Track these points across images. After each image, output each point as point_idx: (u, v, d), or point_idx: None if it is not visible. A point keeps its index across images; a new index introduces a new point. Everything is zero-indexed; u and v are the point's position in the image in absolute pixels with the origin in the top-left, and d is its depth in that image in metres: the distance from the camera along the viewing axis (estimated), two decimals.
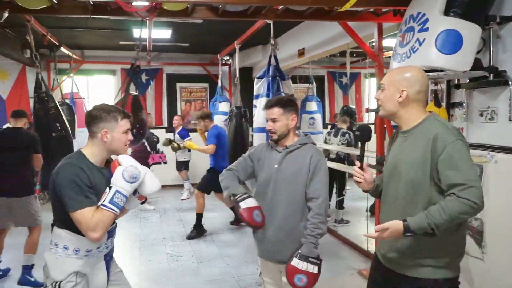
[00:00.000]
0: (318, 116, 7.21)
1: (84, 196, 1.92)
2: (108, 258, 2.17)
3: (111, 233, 2.14)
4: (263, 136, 3.99)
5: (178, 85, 8.83)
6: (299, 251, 2.27)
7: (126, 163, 2.01)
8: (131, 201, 2.11)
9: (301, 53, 5.92)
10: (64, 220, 1.96)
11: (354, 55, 6.25)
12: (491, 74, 2.61)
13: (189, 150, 7.18)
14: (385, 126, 3.62)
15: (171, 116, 8.33)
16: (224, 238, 5.29)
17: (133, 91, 4.26)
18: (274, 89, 4.08)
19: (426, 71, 2.49)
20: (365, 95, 8.19)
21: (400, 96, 1.85)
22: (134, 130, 4.12)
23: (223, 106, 7.15)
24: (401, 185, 1.85)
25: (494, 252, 2.67)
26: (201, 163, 7.55)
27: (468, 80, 2.81)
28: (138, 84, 8.36)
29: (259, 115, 4.12)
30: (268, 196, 2.41)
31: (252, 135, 4.47)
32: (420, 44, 2.48)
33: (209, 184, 5.42)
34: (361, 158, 2.02)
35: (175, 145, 6.63)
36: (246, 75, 7.91)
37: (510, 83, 2.53)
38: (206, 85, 8.94)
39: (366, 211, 5.40)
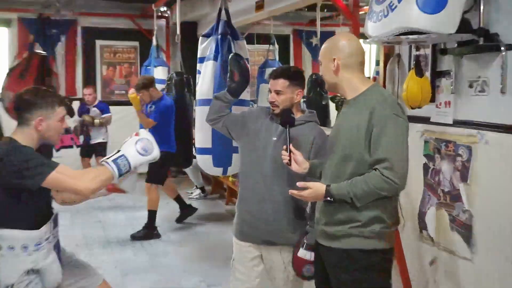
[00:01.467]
0: None
1: (49, 161, 2.23)
2: (57, 250, 2.46)
3: (56, 221, 2.46)
4: (206, 110, 4.10)
5: (98, 43, 8.75)
6: (305, 241, 2.66)
7: (144, 135, 2.39)
8: (129, 180, 2.51)
9: (259, 5, 6.02)
10: (5, 219, 2.23)
11: (325, 10, 6.44)
12: (481, 38, 2.83)
13: (106, 130, 7.16)
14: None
15: (88, 83, 8.22)
16: (158, 244, 5.38)
17: (39, 49, 4.22)
18: (224, 51, 4.18)
19: (406, 34, 2.69)
20: None
21: (333, 65, 2.30)
22: None
23: (159, 72, 7.17)
24: (335, 156, 2.31)
25: (485, 251, 2.89)
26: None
27: (456, 45, 3.04)
28: (45, 40, 8.25)
29: (205, 83, 4.22)
30: (265, 170, 2.81)
31: (195, 110, 4.57)
32: (399, 1, 2.64)
33: (161, 172, 5.52)
34: (287, 143, 2.50)
35: (88, 118, 6.63)
36: (189, 32, 7.95)
37: (502, 48, 2.76)
38: (136, 43, 8.90)
39: None
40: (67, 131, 7.83)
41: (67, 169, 2.26)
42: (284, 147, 2.49)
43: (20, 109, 2.33)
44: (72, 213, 6.39)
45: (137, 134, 2.41)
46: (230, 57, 3.30)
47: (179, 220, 6.06)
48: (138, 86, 5.56)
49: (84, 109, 7.26)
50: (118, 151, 2.33)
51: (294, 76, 2.84)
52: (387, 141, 2.14)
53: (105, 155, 2.72)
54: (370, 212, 2.22)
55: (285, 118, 2.63)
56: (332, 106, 6.66)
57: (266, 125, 2.90)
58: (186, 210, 6.13)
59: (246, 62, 3.59)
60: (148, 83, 5.59)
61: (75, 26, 8.48)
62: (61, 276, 2.44)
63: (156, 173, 5.55)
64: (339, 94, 2.50)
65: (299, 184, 2.29)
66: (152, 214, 5.56)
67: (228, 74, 3.17)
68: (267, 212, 2.81)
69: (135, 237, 5.44)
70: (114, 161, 2.28)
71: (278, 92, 2.79)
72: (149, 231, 5.51)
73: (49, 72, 4.25)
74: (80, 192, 2.27)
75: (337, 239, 2.28)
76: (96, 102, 7.35)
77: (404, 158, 2.17)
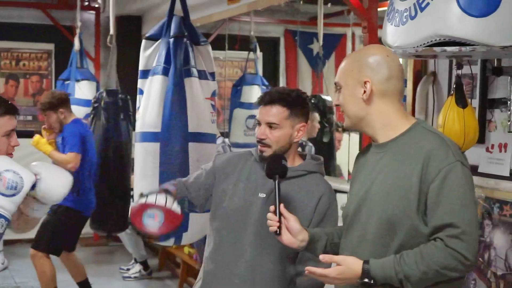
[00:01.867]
0: None
1: None
2: None
3: None
4: (154, 148, 4.13)
5: None
6: None
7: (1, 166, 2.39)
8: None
9: None
10: None
11: (329, 4, 6.54)
12: None
13: None
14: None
15: None
16: None
17: None
18: (178, 62, 4.23)
19: (442, 44, 2.76)
20: None
21: (364, 91, 2.27)
22: None
23: (83, 89, 7.21)
24: (372, 222, 2.23)
25: None
26: None
27: None
28: None
29: (149, 110, 4.25)
30: (246, 241, 2.81)
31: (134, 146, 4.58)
32: None
33: (58, 236, 5.46)
34: (276, 201, 2.43)
35: None
36: (130, 32, 8.03)
37: None
38: (51, 46, 8.92)
39: None
40: None
41: None
42: (272, 208, 2.42)
43: None
44: None
45: None
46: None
47: None
48: (43, 106, 5.59)
49: None
50: None
51: (296, 102, 2.83)
52: (453, 199, 2.09)
53: None
54: None
55: (272, 165, 2.60)
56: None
57: (248, 176, 2.90)
58: None
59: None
60: (57, 102, 5.59)
61: None
62: None
63: (48, 236, 5.46)
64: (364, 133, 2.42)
65: (322, 257, 2.23)
66: None
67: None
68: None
69: None
70: None
71: (271, 126, 2.78)
72: None
73: None
74: None
75: None
76: None
77: (475, 223, 2.13)
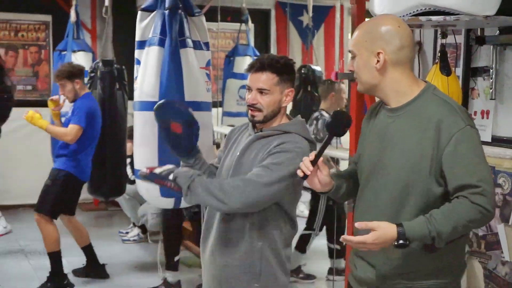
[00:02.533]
0: None
1: None
2: None
3: None
4: (150, 117, 4.15)
5: None
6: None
7: None
8: None
9: None
10: None
11: None
12: None
13: None
14: (366, 107, 3.90)
15: None
16: None
17: None
18: (173, 33, 4.25)
19: (427, 14, 2.78)
20: (344, 47, 8.55)
21: (377, 60, 2.31)
22: None
23: (80, 59, 7.17)
24: (389, 183, 2.34)
25: None
26: (18, 166, 7.50)
27: (498, 32, 3.14)
28: None
29: (146, 80, 4.27)
30: None
31: (132, 115, 4.60)
32: None
33: (60, 199, 5.51)
34: (319, 152, 2.44)
35: None
36: (124, 3, 7.99)
37: None
38: (48, 18, 8.89)
39: None
40: None
41: None
42: (312, 156, 2.44)
43: None
44: None
45: None
46: (154, 114, 3.16)
47: (80, 272, 5.98)
48: (60, 73, 5.54)
49: None
50: None
51: (285, 69, 2.85)
52: (468, 161, 2.20)
53: None
54: (441, 258, 2.31)
55: (337, 123, 2.51)
56: None
57: (238, 138, 3.01)
58: (94, 269, 6.04)
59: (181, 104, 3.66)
60: (76, 72, 5.55)
61: None
62: None
63: (51, 200, 5.49)
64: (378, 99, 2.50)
65: (358, 225, 2.27)
66: (54, 257, 5.52)
67: (163, 135, 3.15)
68: (219, 255, 2.90)
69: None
70: None
71: (262, 91, 2.82)
72: (57, 283, 5.50)
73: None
74: None
75: None
76: None
77: (491, 178, 2.26)
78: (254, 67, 2.85)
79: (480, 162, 2.21)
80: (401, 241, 2.17)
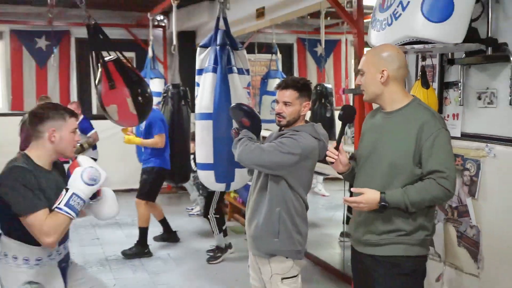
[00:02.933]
0: None
1: (36, 199, 2.37)
2: (64, 265, 2.67)
3: (63, 238, 2.57)
4: (208, 125, 4.17)
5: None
6: None
7: (86, 164, 2.48)
8: (93, 206, 2.64)
9: (260, 13, 6.10)
10: (12, 229, 2.44)
11: (329, 17, 6.51)
12: (489, 48, 2.89)
13: (94, 148, 7.01)
14: (366, 112, 3.88)
15: (84, 97, 8.33)
16: (157, 262, 5.45)
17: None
18: (223, 63, 4.26)
19: (411, 43, 2.75)
20: (348, 70, 8.51)
21: (381, 76, 2.42)
22: None
23: (155, 84, 7.25)
24: (381, 166, 2.44)
25: (492, 267, 2.96)
26: (113, 162, 7.57)
27: (464, 55, 3.10)
28: (38, 52, 8.34)
29: (205, 97, 4.28)
30: (254, 183, 3.05)
31: (194, 124, 4.62)
32: (404, 8, 2.72)
33: (153, 188, 5.61)
34: (339, 139, 2.56)
35: (78, 146, 6.59)
36: (187, 42, 8.05)
37: (511, 58, 2.82)
38: (132, 54, 8.94)
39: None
40: None
41: (38, 217, 2.35)
42: (334, 144, 2.56)
43: (34, 123, 2.52)
44: (71, 230, 6.44)
45: (76, 162, 2.51)
46: (230, 113, 3.32)
47: (158, 238, 6.06)
48: None
49: None
50: (67, 189, 2.41)
51: (303, 87, 2.97)
52: (440, 153, 2.32)
53: None
54: (415, 221, 2.40)
55: (345, 114, 2.61)
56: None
57: (269, 140, 3.05)
58: (169, 235, 6.12)
59: (246, 103, 3.75)
60: None
61: (68, 37, 8.58)
62: None
63: (147, 189, 5.64)
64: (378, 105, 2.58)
65: (353, 189, 2.48)
66: (143, 231, 5.61)
67: (239, 126, 3.18)
68: (252, 220, 3.02)
69: (126, 254, 5.50)
70: (67, 204, 2.38)
71: (286, 103, 2.93)
72: (140, 249, 5.57)
73: (133, 73, 4.34)
74: (42, 243, 2.39)
75: (381, 246, 2.46)
76: (80, 119, 7.36)
77: (454, 168, 2.38)
78: (281, 86, 2.98)
79: (448, 156, 2.36)
80: (382, 203, 2.34)
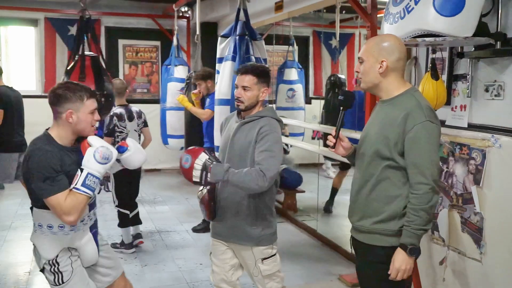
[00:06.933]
0: (299, 88, 7.40)
1: (57, 181, 2.36)
2: (94, 230, 2.68)
3: (92, 205, 2.62)
4: (226, 110, 4.15)
5: (121, 42, 8.85)
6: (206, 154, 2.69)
7: (97, 143, 2.44)
8: (123, 158, 2.71)
9: (278, 6, 6.05)
10: (43, 202, 2.40)
11: (344, 11, 6.43)
12: (498, 42, 2.82)
13: None
14: (377, 102, 3.82)
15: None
16: (176, 237, 5.47)
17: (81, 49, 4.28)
18: (242, 52, 4.23)
19: (423, 36, 2.69)
20: None
21: (380, 66, 2.30)
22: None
23: (179, 71, 7.24)
24: (367, 152, 2.36)
25: (495, 253, 2.92)
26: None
27: (473, 48, 3.03)
28: (70, 39, 8.37)
29: (223, 84, 4.26)
30: (226, 161, 2.80)
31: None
32: (416, 2, 2.65)
33: None
34: (338, 125, 2.47)
35: None
36: (209, 32, 8.00)
37: None
38: (158, 43, 8.98)
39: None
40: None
41: (65, 197, 2.35)
42: (333, 131, 2.47)
43: (53, 104, 2.46)
44: (99, 208, 6.52)
45: (87, 142, 2.46)
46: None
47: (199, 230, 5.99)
48: (197, 76, 5.50)
49: None
50: (81, 169, 2.38)
51: (262, 73, 2.82)
52: (420, 147, 2.20)
53: None
54: (391, 208, 2.29)
55: (345, 99, 2.52)
56: None
57: (229, 125, 2.93)
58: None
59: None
60: (207, 75, 5.44)
61: (98, 26, 8.60)
62: (97, 256, 2.68)
63: None
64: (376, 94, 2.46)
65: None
66: None
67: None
68: (226, 210, 2.84)
69: (196, 230, 5.58)
70: (83, 184, 2.36)
71: (245, 88, 2.78)
72: (208, 225, 5.57)
73: (104, 73, 4.29)
74: (64, 222, 2.41)
75: (361, 233, 2.40)
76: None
77: (435, 163, 2.24)
78: (241, 71, 2.83)
79: (429, 150, 2.21)
80: (413, 255, 2.25)
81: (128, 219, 5.04)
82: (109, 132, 4.82)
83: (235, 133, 2.81)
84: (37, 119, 7.42)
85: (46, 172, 2.35)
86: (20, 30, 8.51)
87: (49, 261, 2.49)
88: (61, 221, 2.42)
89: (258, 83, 2.79)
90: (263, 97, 2.82)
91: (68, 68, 4.23)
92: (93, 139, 2.47)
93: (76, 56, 4.21)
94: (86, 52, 4.27)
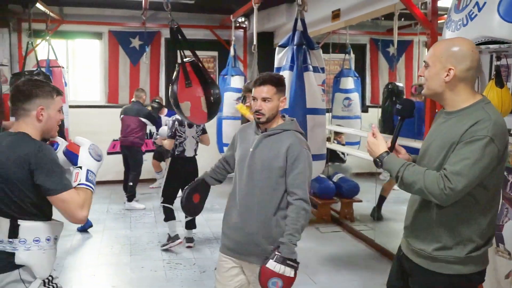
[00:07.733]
0: (355, 96, 7.33)
1: (66, 176, 2.24)
2: None
3: None
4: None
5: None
6: (278, 253, 2.52)
7: (87, 142, 2.38)
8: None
9: (336, 15, 6.02)
10: (35, 212, 2.21)
11: (403, 19, 6.32)
12: None
13: None
14: (437, 110, 3.73)
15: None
16: None
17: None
18: (299, 61, 4.24)
19: (487, 43, 2.61)
20: (418, 70, 8.27)
21: (447, 75, 2.05)
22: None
23: (236, 81, 7.29)
24: (430, 165, 2.09)
25: None
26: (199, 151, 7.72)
27: None
28: (132, 51, 8.66)
29: None
30: (243, 181, 2.73)
31: None
32: (480, 9, 2.59)
33: None
34: (395, 135, 2.26)
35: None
36: (266, 42, 8.04)
37: None
38: (215, 53, 9.11)
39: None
40: (150, 135, 8.19)
41: (72, 193, 2.20)
42: (389, 143, 2.25)
43: (19, 101, 2.25)
44: (156, 212, 6.68)
45: (74, 143, 2.39)
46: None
47: None
48: (246, 88, 5.47)
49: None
50: (80, 167, 2.30)
51: (280, 82, 2.72)
52: (465, 158, 1.95)
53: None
54: (459, 233, 2.07)
55: (403, 108, 2.31)
56: None
57: (246, 136, 2.81)
58: None
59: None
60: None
61: (158, 38, 8.85)
62: None
63: None
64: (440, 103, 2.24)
65: (373, 127, 2.24)
66: None
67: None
68: (243, 224, 2.71)
69: None
70: (87, 179, 2.29)
71: (265, 99, 2.65)
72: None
73: (208, 76, 4.49)
74: (76, 221, 2.23)
75: (421, 257, 2.19)
76: (165, 112, 7.59)
77: (470, 182, 1.96)
78: (258, 82, 2.69)
79: (471, 163, 1.93)
80: (377, 159, 2.16)
81: (172, 213, 5.28)
82: (172, 135, 5.15)
83: (256, 145, 2.70)
84: (101, 128, 7.78)
85: (57, 167, 2.21)
86: (86, 43, 8.89)
87: (44, 281, 2.26)
88: (70, 220, 2.21)
89: (277, 93, 2.68)
90: (282, 106, 2.70)
91: (172, 79, 4.45)
92: (80, 139, 2.39)
93: (176, 65, 4.40)
94: (185, 59, 4.45)
